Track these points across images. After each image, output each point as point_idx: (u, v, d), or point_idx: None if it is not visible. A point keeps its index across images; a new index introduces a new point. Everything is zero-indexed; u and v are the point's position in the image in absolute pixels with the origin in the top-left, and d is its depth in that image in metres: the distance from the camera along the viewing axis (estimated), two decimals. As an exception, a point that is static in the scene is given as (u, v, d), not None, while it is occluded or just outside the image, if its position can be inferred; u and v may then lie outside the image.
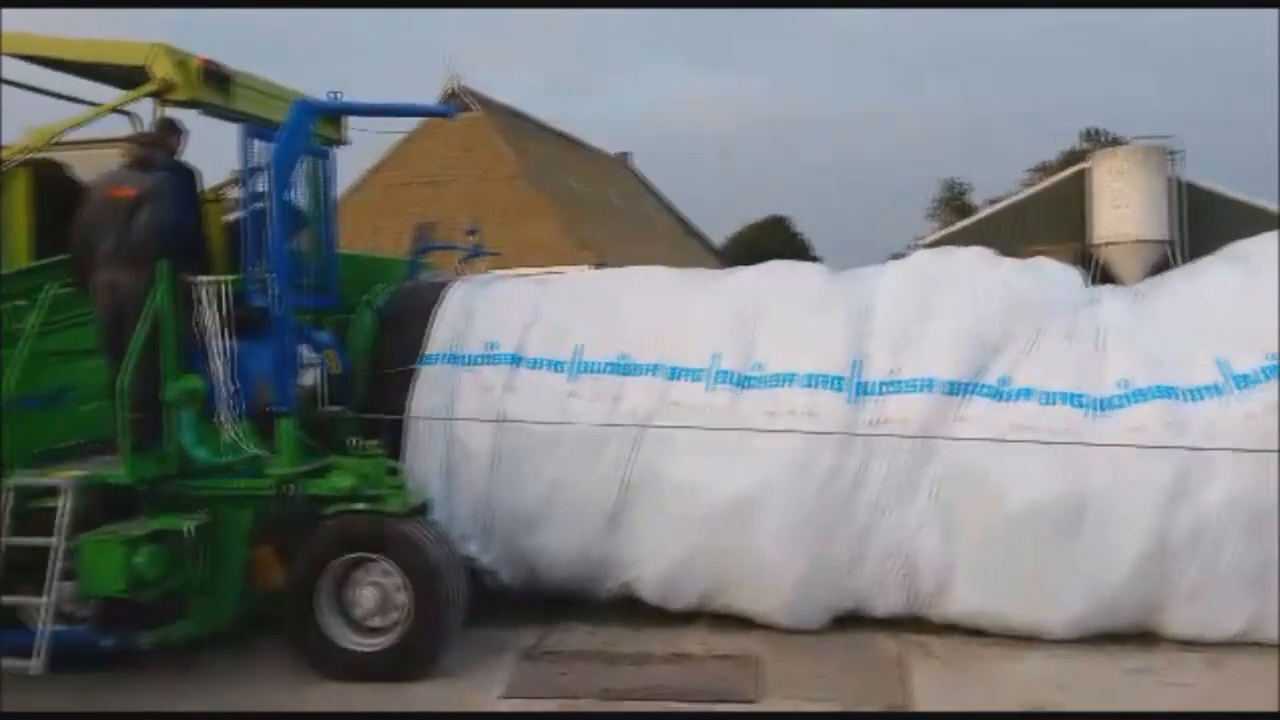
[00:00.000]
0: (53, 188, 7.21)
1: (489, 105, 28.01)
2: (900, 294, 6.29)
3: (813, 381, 5.92)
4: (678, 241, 35.29)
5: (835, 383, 5.94)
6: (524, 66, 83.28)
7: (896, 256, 7.92)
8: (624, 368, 6.19)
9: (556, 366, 6.30)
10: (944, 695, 5.14)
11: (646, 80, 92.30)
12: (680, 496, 5.88)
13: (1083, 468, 5.64)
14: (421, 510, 5.72)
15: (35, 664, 4.99)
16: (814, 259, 27.36)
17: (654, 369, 6.14)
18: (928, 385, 5.87)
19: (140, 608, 5.28)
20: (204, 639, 5.59)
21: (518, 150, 27.63)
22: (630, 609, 6.23)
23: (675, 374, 6.09)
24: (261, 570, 5.65)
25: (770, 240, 42.47)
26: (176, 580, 5.28)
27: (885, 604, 5.94)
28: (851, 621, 6.01)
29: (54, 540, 5.11)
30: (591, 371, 6.23)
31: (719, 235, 44.93)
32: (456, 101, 26.47)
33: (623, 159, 38.36)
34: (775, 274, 6.75)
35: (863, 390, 5.93)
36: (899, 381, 5.93)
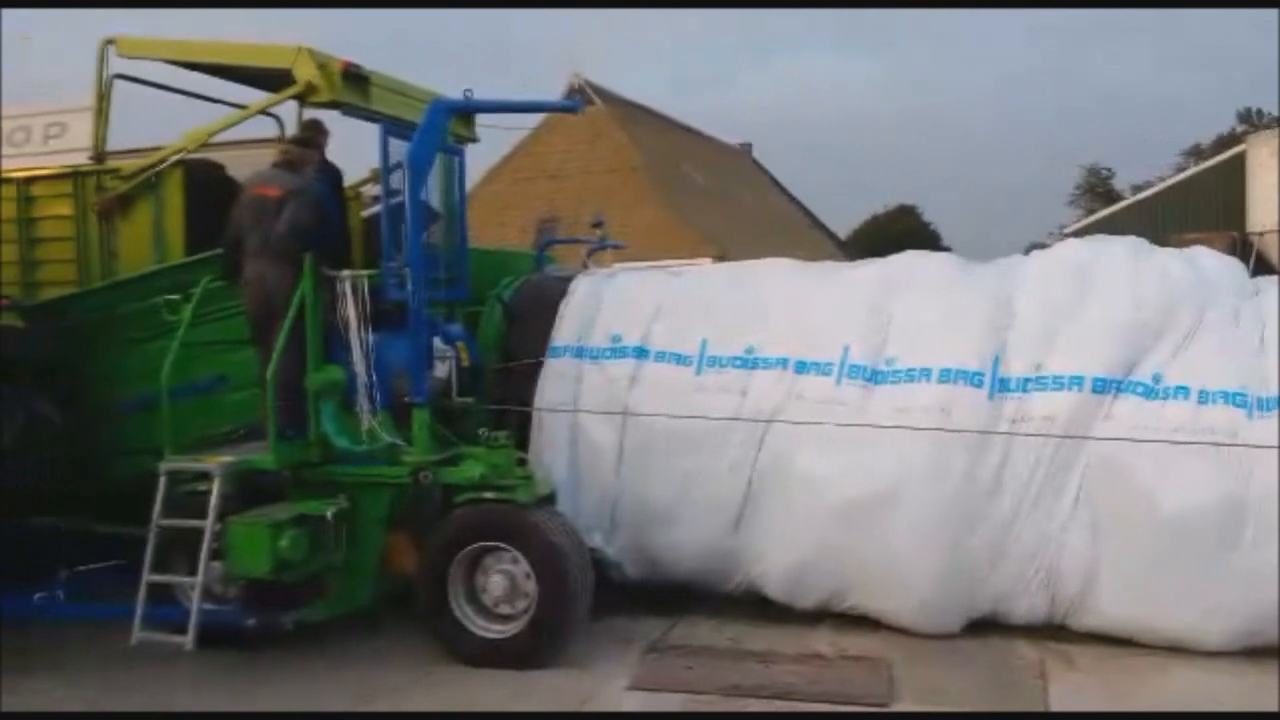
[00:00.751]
0: (208, 186, 7.62)
1: (610, 99, 28.25)
2: (1045, 286, 6.00)
3: (949, 377, 5.71)
4: (802, 234, 34.80)
5: (974, 378, 5.72)
6: (647, 62, 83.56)
7: (1037, 246, 7.55)
8: (751, 361, 6.11)
9: (682, 360, 6.27)
10: (1085, 708, 4.88)
11: (771, 70, 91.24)
12: (808, 492, 5.77)
13: (1244, 471, 5.27)
14: (549, 500, 5.79)
15: (188, 640, 5.27)
16: (945, 249, 26.41)
17: (782, 363, 6.04)
18: (1075, 382, 5.59)
19: (283, 589, 5.53)
20: (341, 619, 5.80)
21: (639, 143, 27.76)
22: (756, 605, 6.16)
23: (803, 368, 5.98)
24: (396, 554, 5.84)
25: (898, 230, 41.39)
26: (318, 563, 5.49)
27: (1026, 609, 5.68)
28: (989, 628, 5.78)
29: (205, 523, 5.38)
30: (718, 365, 6.17)
31: (844, 227, 44.14)
32: (579, 96, 26.80)
33: (745, 150, 38.08)
34: (908, 265, 6.54)
35: (1003, 386, 5.70)
36: (1044, 378, 5.66)
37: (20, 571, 6.02)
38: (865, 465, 5.65)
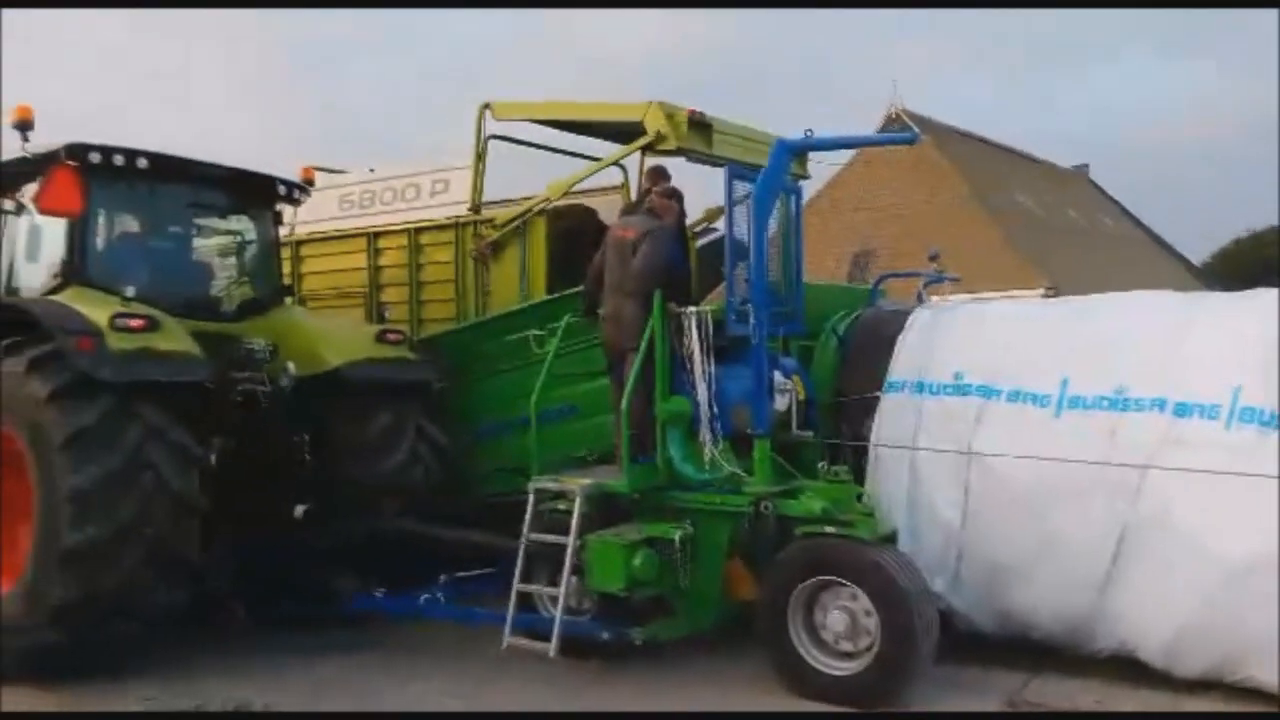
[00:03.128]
0: (571, 230, 8.35)
1: (931, 126, 27.39)
2: None
3: (1367, 422, 4.92)
4: (1149, 260, 31.63)
5: (1399, 425, 4.89)
6: (968, 82, 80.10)
7: None
8: (1120, 403, 5.61)
9: (1039, 400, 5.88)
10: None
11: (1106, 83, 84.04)
12: (1191, 550, 5.20)
13: None
14: (890, 539, 5.69)
15: (551, 647, 5.71)
16: (1330, 276, 22.93)
17: (1159, 404, 5.50)
18: None
19: (633, 606, 5.86)
20: (684, 639, 6.03)
21: (964, 170, 26.65)
22: (1127, 663, 5.61)
23: (1183, 410, 5.41)
24: (734, 582, 6.00)
25: (1269, 254, 36.30)
26: (665, 583, 5.77)
27: None
28: None
29: (567, 539, 5.83)
30: (1081, 406, 5.72)
31: (1199, 253, 39.46)
32: (898, 125, 26.29)
33: (1081, 172, 35.34)
34: (1308, 296, 5.73)
35: None
36: None
37: (406, 575, 6.89)
38: (1260, 521, 5.00)
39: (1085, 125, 73.84)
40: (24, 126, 6.62)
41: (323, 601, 6.79)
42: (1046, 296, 22.25)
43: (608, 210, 9.34)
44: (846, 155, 25.91)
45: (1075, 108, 77.72)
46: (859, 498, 5.78)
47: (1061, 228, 28.76)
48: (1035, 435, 5.86)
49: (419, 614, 6.69)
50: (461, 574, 6.88)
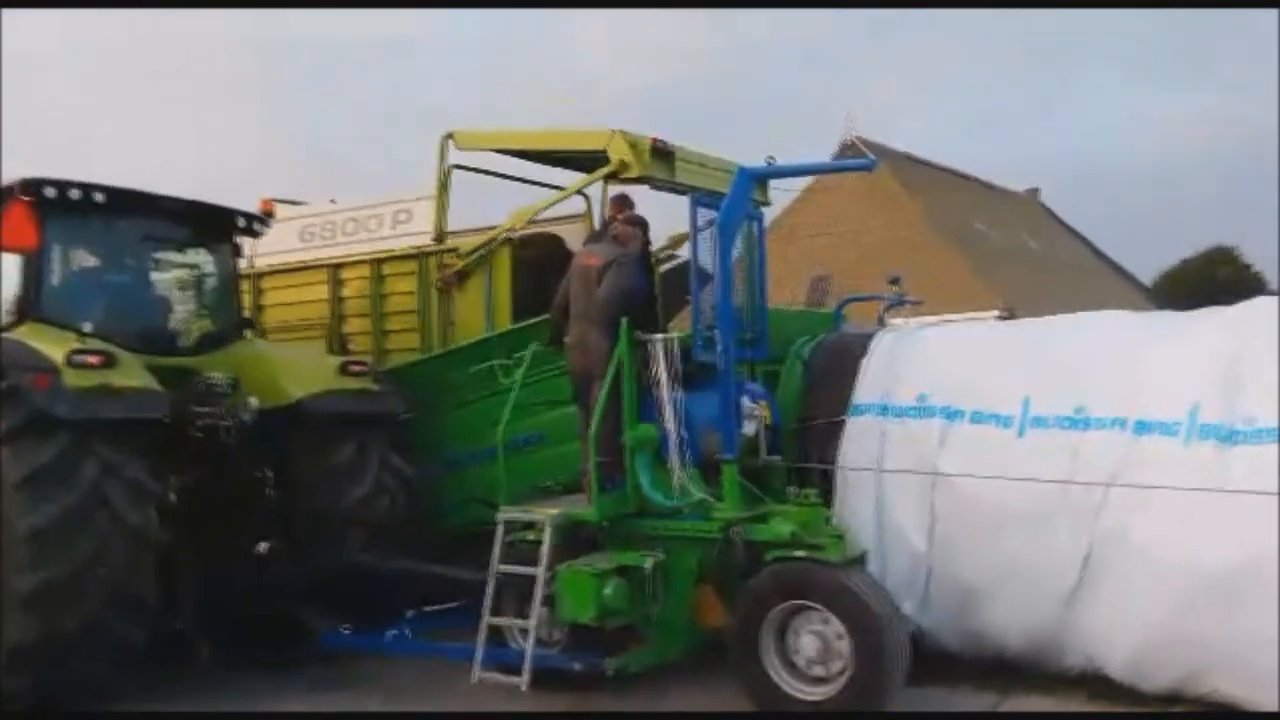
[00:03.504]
0: (537, 258, 8.35)
1: (887, 154, 27.89)
2: None
3: (1322, 437, 5.05)
4: (1101, 281, 32.35)
5: (1352, 439, 5.03)
6: (919, 111, 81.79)
7: None
8: (1082, 422, 5.70)
9: (1001, 421, 5.96)
10: None
11: (1057, 109, 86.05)
12: (1154, 566, 5.29)
13: None
14: (859, 561, 5.71)
15: (523, 680, 5.65)
16: (1271, 295, 23.51)
17: (1119, 423, 5.59)
18: None
19: (604, 636, 5.81)
20: (655, 668, 6.00)
21: (918, 196, 27.15)
22: (1099, 680, 5.66)
23: (1143, 428, 5.51)
24: (704, 609, 5.99)
25: (1217, 275, 37.29)
26: (637, 612, 5.74)
27: None
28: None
29: (537, 570, 5.79)
30: (1042, 426, 5.81)
31: (1148, 272, 40.38)
32: (854, 153, 26.73)
33: (1032, 196, 36.14)
34: (1260, 313, 5.89)
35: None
36: None
37: (372, 609, 6.79)
38: (1221, 535, 5.10)
39: (1034, 148, 75.54)
40: None
41: (289, 639, 6.66)
42: (1001, 319, 22.72)
43: (572, 238, 9.37)
44: (804, 182, 26.37)
45: (1025, 133, 79.55)
46: (828, 520, 5.79)
47: (1016, 251, 29.34)
48: (999, 456, 5.93)
49: (386, 650, 6.59)
50: (428, 608, 6.79)
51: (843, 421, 6.66)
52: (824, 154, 27.04)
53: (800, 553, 5.51)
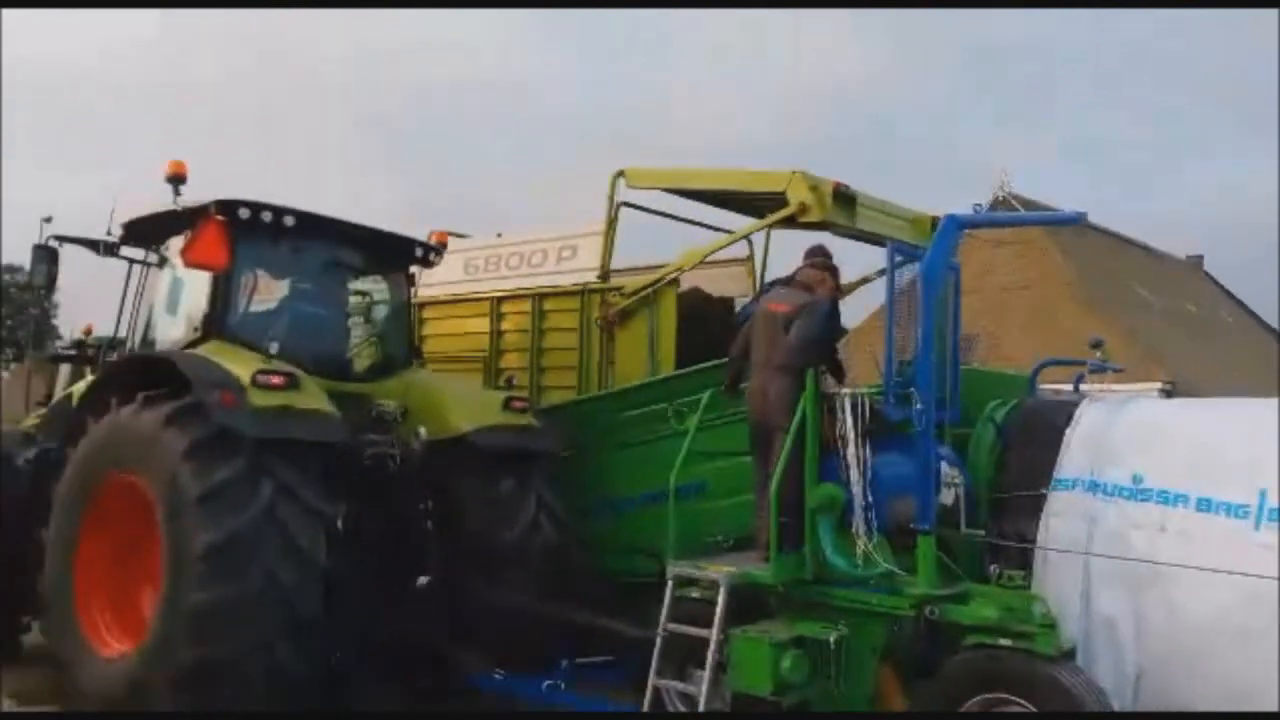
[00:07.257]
0: (694, 305, 8.12)
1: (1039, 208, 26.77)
2: None
3: None
4: (1268, 351, 30.09)
5: None
6: (1076, 162, 78.64)
7: None
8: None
9: (1236, 511, 5.30)
10: None
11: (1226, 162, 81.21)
12: None
13: None
14: (1070, 655, 5.13)
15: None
16: None
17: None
18: None
19: (770, 710, 5.38)
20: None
21: (1074, 257, 25.89)
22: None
23: None
24: (885, 692, 5.48)
25: None
26: (815, 689, 5.30)
27: None
28: None
29: (710, 632, 5.41)
30: (1286, 519, 5.11)
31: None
32: (1006, 207, 25.76)
33: (1197, 263, 34.14)
34: None
35: None
36: None
37: (520, 652, 6.53)
38: None
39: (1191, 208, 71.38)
40: (177, 181, 6.70)
41: (441, 676, 6.46)
42: (1164, 392, 21.24)
43: (732, 283, 9.07)
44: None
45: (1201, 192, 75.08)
46: (1038, 607, 5.22)
47: (1179, 319, 27.64)
48: (1229, 550, 5.25)
49: (542, 700, 6.31)
50: (582, 659, 6.49)
51: (1043, 496, 6.09)
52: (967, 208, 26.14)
53: (1006, 640, 4.99)
